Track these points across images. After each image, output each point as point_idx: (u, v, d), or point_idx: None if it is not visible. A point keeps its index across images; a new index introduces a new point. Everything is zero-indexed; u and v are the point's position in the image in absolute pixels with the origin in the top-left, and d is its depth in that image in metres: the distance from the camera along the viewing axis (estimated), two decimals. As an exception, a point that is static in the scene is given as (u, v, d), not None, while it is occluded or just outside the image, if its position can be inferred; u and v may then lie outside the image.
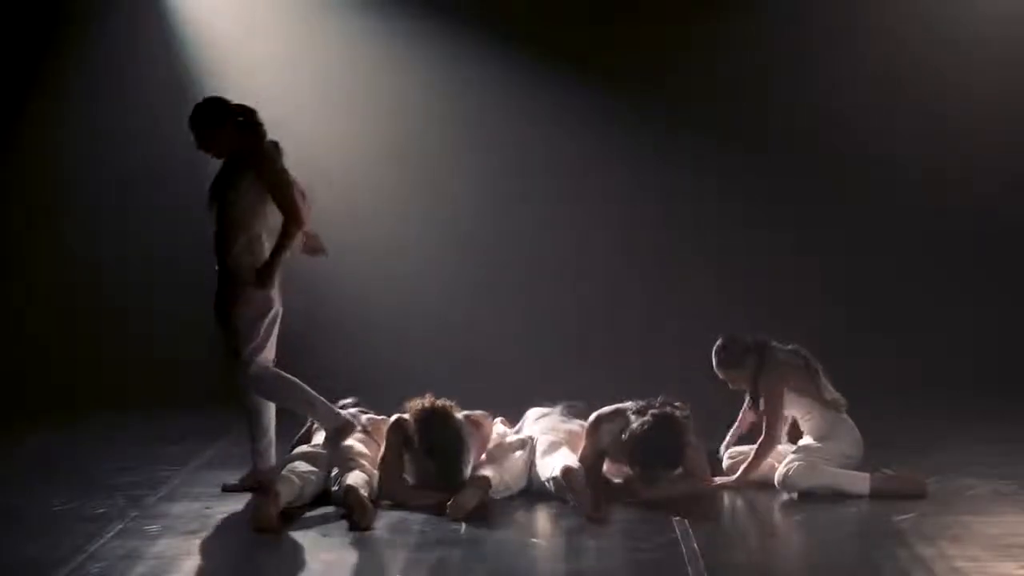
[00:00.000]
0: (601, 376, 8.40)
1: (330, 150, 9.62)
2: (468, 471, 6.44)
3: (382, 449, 6.56)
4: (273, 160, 6.54)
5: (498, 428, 6.97)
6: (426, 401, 6.50)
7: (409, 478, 6.50)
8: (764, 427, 6.66)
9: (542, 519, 6.22)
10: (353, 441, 6.61)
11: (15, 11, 9.62)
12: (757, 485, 6.64)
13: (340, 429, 6.56)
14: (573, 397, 7.23)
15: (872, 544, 5.73)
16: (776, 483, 6.50)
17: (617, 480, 6.68)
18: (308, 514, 6.26)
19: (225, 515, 6.29)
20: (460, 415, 6.53)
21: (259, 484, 6.59)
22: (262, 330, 6.53)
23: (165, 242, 9.50)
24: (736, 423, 6.99)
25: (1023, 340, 9.62)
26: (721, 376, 6.80)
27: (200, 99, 6.73)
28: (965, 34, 9.58)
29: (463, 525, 6.04)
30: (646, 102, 9.72)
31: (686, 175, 9.81)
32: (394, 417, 6.59)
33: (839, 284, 9.80)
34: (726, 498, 6.55)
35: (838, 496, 6.40)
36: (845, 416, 6.69)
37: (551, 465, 6.44)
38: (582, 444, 6.70)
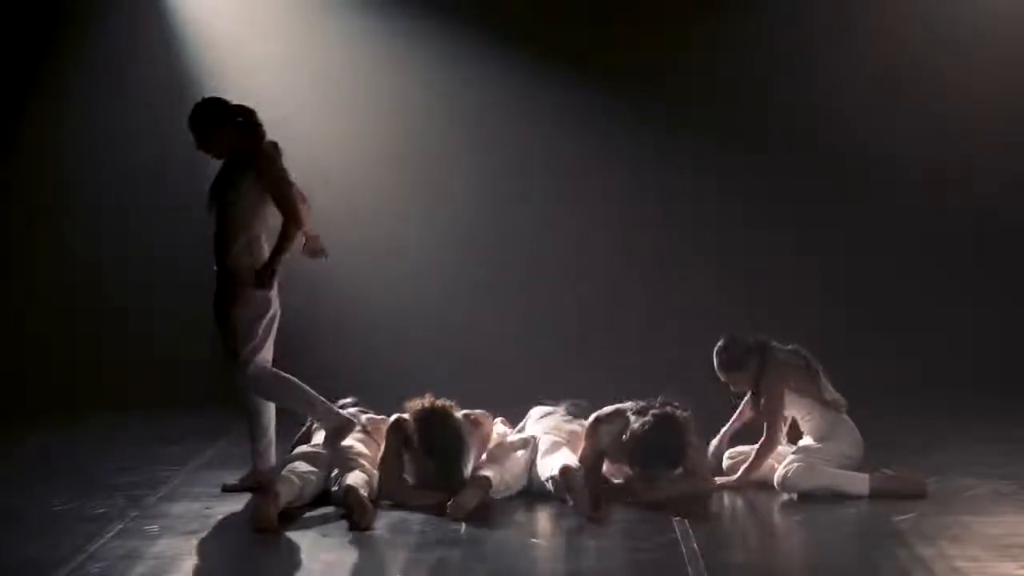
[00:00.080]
0: (601, 376, 8.39)
1: (330, 150, 9.62)
2: (468, 471, 6.44)
3: (382, 449, 6.56)
4: (273, 161, 6.54)
5: (498, 428, 6.97)
6: (426, 401, 6.50)
7: (409, 478, 6.49)
8: (765, 428, 6.66)
9: (542, 519, 6.22)
10: (353, 441, 6.62)
11: (15, 11, 9.62)
12: (757, 485, 6.64)
13: (339, 428, 6.56)
14: (575, 397, 7.24)
15: (872, 544, 5.73)
16: (776, 484, 6.50)
17: (617, 480, 6.68)
18: (308, 514, 6.26)
19: (225, 515, 6.29)
20: (460, 414, 6.53)
21: (259, 484, 6.59)
22: (260, 330, 6.53)
23: (165, 242, 9.50)
24: (732, 419, 6.99)
25: (1023, 340, 9.62)
26: (723, 378, 6.79)
27: (200, 99, 6.73)
28: (965, 34, 9.58)
29: (463, 525, 6.04)
30: (646, 102, 9.72)
31: (686, 175, 9.81)
32: (394, 417, 6.59)
33: (839, 284, 9.80)
34: (726, 498, 6.55)
35: (838, 496, 6.40)
36: (845, 417, 6.69)
37: (551, 465, 6.44)
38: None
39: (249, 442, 6.74)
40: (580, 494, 6.23)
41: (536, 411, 7.17)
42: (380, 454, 6.55)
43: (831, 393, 6.69)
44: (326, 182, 8.75)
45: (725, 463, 6.89)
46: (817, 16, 9.60)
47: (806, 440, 6.69)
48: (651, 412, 6.46)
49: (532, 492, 6.56)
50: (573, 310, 9.84)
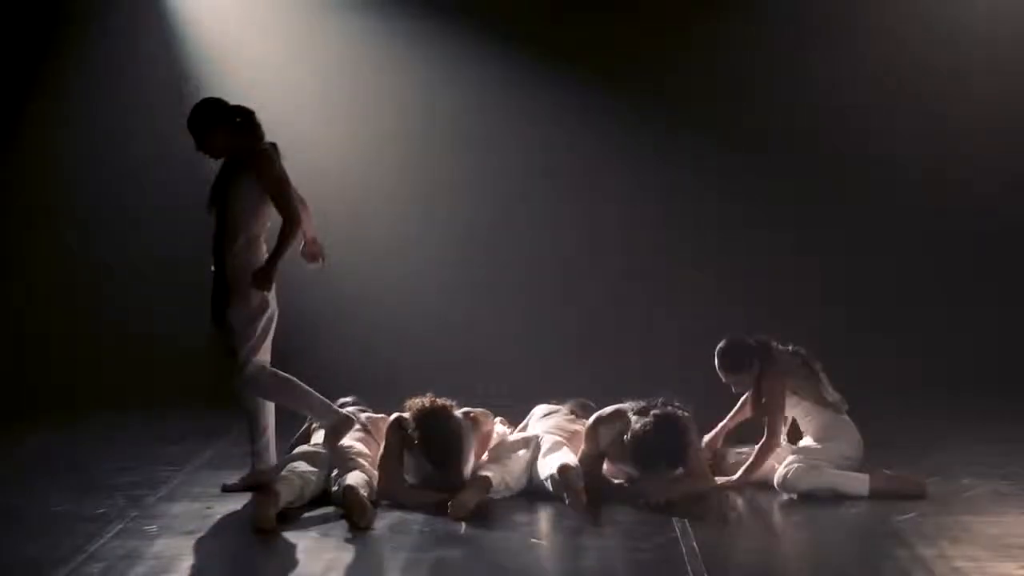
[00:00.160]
0: (601, 376, 8.40)
1: (330, 150, 9.63)
2: (468, 470, 6.44)
3: (381, 448, 6.56)
4: (272, 162, 6.53)
5: (497, 428, 6.96)
6: (426, 400, 6.50)
7: (409, 478, 6.49)
8: (766, 428, 6.65)
9: (542, 519, 6.21)
10: (353, 441, 6.62)
11: (15, 11, 9.62)
12: (757, 485, 6.63)
13: (338, 426, 6.56)
14: (576, 397, 7.24)
15: (872, 544, 5.73)
16: (775, 484, 6.50)
17: (618, 481, 6.67)
18: (308, 514, 6.25)
19: (225, 515, 6.29)
20: (459, 413, 6.52)
21: (259, 484, 6.59)
22: (258, 330, 6.53)
23: (165, 242, 9.50)
24: (730, 414, 6.99)
25: (1023, 340, 9.61)
26: (724, 378, 6.79)
27: (199, 100, 6.73)
28: (965, 34, 9.58)
29: (463, 525, 6.04)
30: (646, 102, 9.72)
31: (686, 175, 9.81)
32: (393, 416, 6.59)
33: (839, 284, 9.80)
34: (726, 498, 6.54)
35: (838, 497, 6.39)
36: (845, 417, 6.69)
37: (550, 464, 6.44)
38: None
39: (248, 442, 6.74)
40: (576, 493, 6.23)
41: (539, 409, 7.17)
42: (380, 453, 6.55)
43: (831, 394, 6.69)
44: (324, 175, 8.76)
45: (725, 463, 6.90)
46: (817, 16, 9.59)
47: (806, 440, 6.69)
48: (652, 412, 6.46)
49: (532, 492, 6.56)
50: (573, 310, 9.84)
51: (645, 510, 6.25)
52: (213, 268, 6.59)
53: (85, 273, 9.75)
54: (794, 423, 6.80)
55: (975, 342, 9.54)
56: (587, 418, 6.81)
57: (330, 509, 6.29)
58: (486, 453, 6.65)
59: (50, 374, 9.53)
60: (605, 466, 6.71)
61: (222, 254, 6.54)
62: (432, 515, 6.17)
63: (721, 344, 6.76)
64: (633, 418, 6.51)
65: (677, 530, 5.90)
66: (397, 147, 9.87)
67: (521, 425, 7.12)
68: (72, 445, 8.06)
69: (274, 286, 6.56)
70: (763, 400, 6.70)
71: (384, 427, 6.64)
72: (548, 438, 6.68)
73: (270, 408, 6.73)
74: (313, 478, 6.40)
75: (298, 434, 6.99)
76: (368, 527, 5.99)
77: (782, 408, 6.66)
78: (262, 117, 6.64)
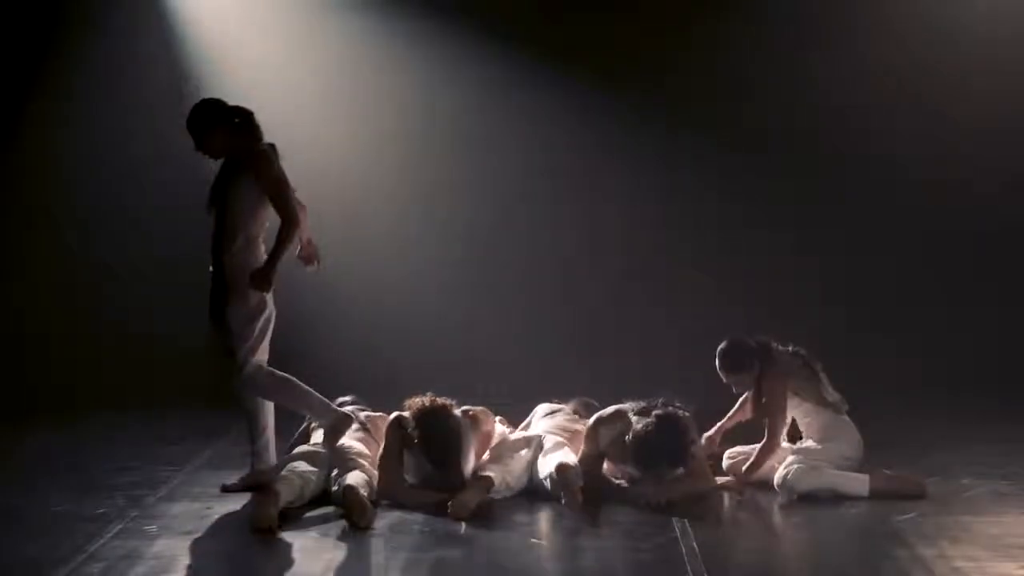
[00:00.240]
0: (601, 376, 8.40)
1: (330, 150, 9.63)
2: (468, 469, 6.44)
3: (381, 448, 6.55)
4: (270, 163, 6.53)
5: (498, 428, 6.95)
6: (425, 399, 6.49)
7: (409, 477, 6.49)
8: (766, 429, 6.65)
9: (542, 519, 6.21)
10: (353, 441, 6.61)
11: (15, 11, 9.62)
12: (757, 485, 6.63)
13: (337, 424, 6.56)
14: (577, 396, 7.24)
15: (872, 544, 5.73)
16: (775, 485, 6.49)
17: (619, 482, 6.66)
18: (308, 514, 6.25)
19: (225, 515, 6.29)
20: (459, 411, 6.52)
21: (259, 484, 6.58)
22: (256, 330, 6.53)
23: (165, 242, 9.50)
24: (730, 414, 6.99)
25: (1023, 340, 9.61)
26: (725, 380, 6.79)
27: (198, 101, 6.73)
28: (965, 34, 9.58)
29: (463, 525, 6.04)
30: (646, 102, 9.73)
31: (686, 175, 9.81)
32: (393, 415, 6.59)
33: (839, 284, 9.80)
34: (726, 498, 6.55)
35: (838, 497, 6.39)
36: (845, 417, 6.68)
37: (549, 463, 6.44)
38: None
39: (248, 442, 6.74)
40: (573, 493, 6.23)
41: (542, 408, 7.17)
42: (379, 453, 6.54)
43: (831, 394, 6.69)
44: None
45: (725, 463, 6.89)
46: (817, 16, 9.60)
47: (806, 441, 6.69)
48: (653, 413, 6.45)
49: (533, 492, 6.55)
50: (573, 310, 9.84)
51: (645, 510, 6.25)
52: (211, 268, 6.59)
53: (85, 273, 9.76)
54: (794, 423, 6.79)
55: (975, 342, 9.54)
56: (589, 418, 6.81)
57: (330, 509, 6.29)
58: (487, 452, 6.65)
59: (50, 374, 9.53)
60: (606, 466, 6.70)
61: (220, 254, 6.54)
62: (432, 515, 6.16)
63: (722, 345, 6.76)
64: (634, 418, 6.50)
65: (677, 530, 5.90)
66: (397, 147, 9.87)
67: (523, 424, 7.12)
68: (72, 445, 8.06)
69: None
70: (764, 401, 6.69)
71: (383, 426, 6.64)
72: (550, 438, 6.68)
73: (269, 408, 6.73)
74: (313, 478, 6.40)
75: (297, 434, 6.98)
76: (368, 527, 5.99)
77: (783, 409, 6.66)
78: (262, 117, 6.64)
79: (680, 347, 8.78)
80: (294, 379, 6.60)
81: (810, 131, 9.67)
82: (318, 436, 6.74)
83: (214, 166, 6.71)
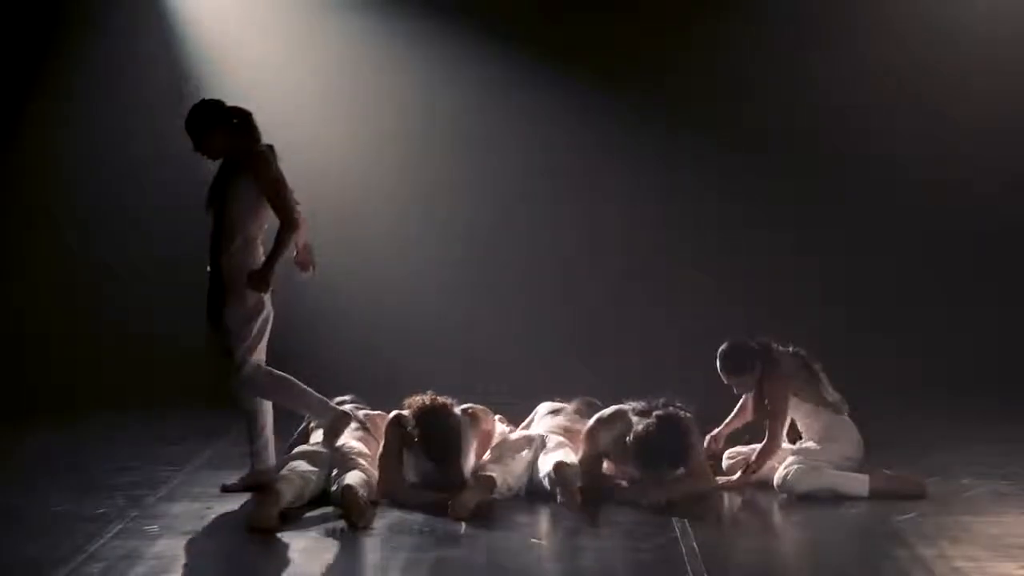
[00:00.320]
0: (601, 376, 8.39)
1: (330, 150, 9.63)
2: (468, 467, 6.44)
3: (381, 447, 6.55)
4: (268, 164, 6.52)
5: (498, 427, 6.95)
6: (425, 398, 6.49)
7: (409, 476, 6.49)
8: (767, 430, 6.65)
9: (542, 519, 6.21)
10: (353, 441, 6.61)
11: (15, 11, 9.62)
12: (757, 485, 6.63)
13: (336, 423, 6.56)
14: (578, 396, 7.23)
15: (872, 544, 5.73)
16: (775, 485, 6.49)
17: (621, 482, 6.66)
18: (308, 514, 6.25)
19: (225, 515, 6.28)
20: (459, 409, 6.52)
21: (258, 484, 6.58)
22: (254, 330, 6.52)
23: (165, 242, 9.50)
24: (731, 415, 6.98)
25: (1023, 340, 9.61)
26: (726, 381, 6.79)
27: (197, 101, 6.73)
28: (965, 34, 9.58)
29: (463, 525, 6.04)
30: (646, 102, 9.73)
31: (686, 175, 9.81)
32: (393, 414, 6.58)
33: (839, 284, 9.80)
34: (726, 498, 6.55)
35: (838, 497, 6.39)
36: (846, 418, 6.68)
37: (549, 462, 6.43)
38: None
39: (247, 442, 6.74)
40: (571, 492, 6.23)
41: (543, 407, 7.17)
42: (379, 452, 6.54)
43: (832, 395, 6.68)
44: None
45: (725, 463, 6.89)
46: (817, 16, 9.60)
47: (806, 441, 6.69)
48: (654, 413, 6.45)
49: (533, 492, 6.55)
50: (573, 310, 9.84)
51: (645, 510, 6.25)
52: (209, 269, 6.59)
53: (85, 273, 9.76)
54: (793, 423, 6.79)
55: (975, 342, 9.54)
56: (591, 417, 6.81)
57: (329, 509, 6.28)
58: (488, 452, 6.64)
59: (50, 374, 9.53)
60: (606, 466, 6.70)
61: (218, 255, 6.53)
62: (432, 515, 6.16)
63: (723, 346, 6.75)
64: (635, 419, 6.50)
65: (677, 530, 5.90)
66: (397, 147, 9.87)
67: (525, 422, 7.12)
68: (72, 445, 8.06)
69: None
70: (765, 402, 6.69)
71: (383, 425, 6.64)
72: (552, 438, 6.68)
73: (268, 408, 6.72)
74: (313, 478, 6.39)
75: (297, 434, 6.98)
76: (367, 527, 5.98)
77: (785, 412, 6.65)
78: (262, 117, 6.63)
79: (680, 347, 8.79)
80: (292, 378, 6.60)
81: (810, 131, 9.68)
82: (318, 436, 6.74)
83: (213, 166, 6.70)
